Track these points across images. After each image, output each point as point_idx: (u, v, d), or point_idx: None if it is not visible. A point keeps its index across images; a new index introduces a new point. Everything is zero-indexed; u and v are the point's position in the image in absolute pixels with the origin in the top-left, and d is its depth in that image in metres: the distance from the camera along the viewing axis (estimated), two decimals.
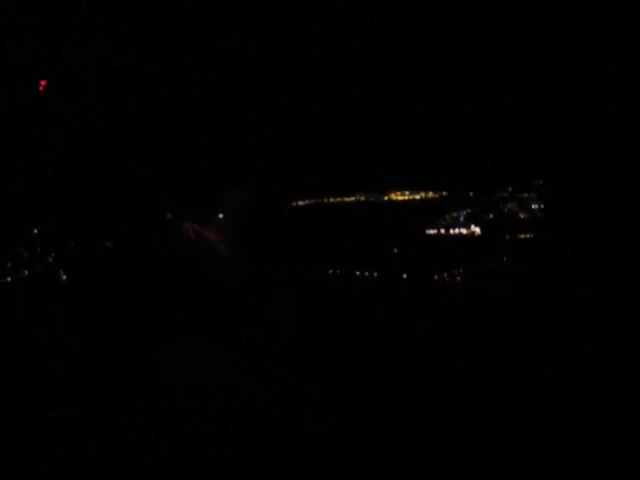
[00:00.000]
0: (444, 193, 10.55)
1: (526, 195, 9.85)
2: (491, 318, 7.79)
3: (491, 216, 9.88)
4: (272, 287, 8.84)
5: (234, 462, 5.75)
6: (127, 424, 6.25)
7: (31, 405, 6.55)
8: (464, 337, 7.57)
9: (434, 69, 9.38)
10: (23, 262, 10.18)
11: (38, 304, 9.09)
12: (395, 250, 9.91)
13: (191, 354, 7.22)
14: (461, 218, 10.09)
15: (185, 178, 9.71)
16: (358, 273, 9.67)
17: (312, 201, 10.99)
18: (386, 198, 10.82)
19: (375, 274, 9.61)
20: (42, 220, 10.29)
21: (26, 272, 10.06)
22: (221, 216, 9.80)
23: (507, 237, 9.55)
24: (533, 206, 9.71)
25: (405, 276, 9.44)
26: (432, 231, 10.20)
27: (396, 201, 10.73)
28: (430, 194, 10.67)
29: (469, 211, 10.09)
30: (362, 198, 10.93)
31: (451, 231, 10.06)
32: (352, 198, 11.00)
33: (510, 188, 10.01)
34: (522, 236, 9.54)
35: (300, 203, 11.05)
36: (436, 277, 9.31)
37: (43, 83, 9.13)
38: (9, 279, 9.97)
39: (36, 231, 10.66)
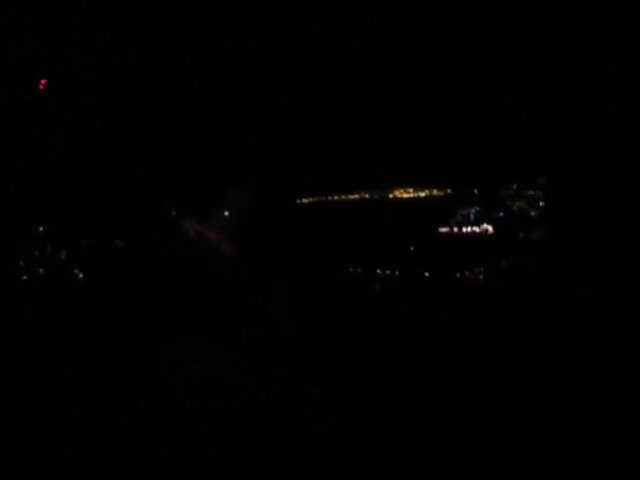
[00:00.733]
0: (448, 190, 10.50)
1: (532, 193, 9.79)
2: (510, 317, 7.78)
3: (501, 214, 9.78)
4: (272, 287, 8.83)
5: (234, 462, 5.78)
6: (127, 423, 6.29)
7: (32, 404, 6.59)
8: (483, 336, 7.56)
9: (437, 68, 9.33)
10: (36, 261, 10.18)
11: (55, 303, 9.12)
12: (411, 248, 9.84)
13: (191, 354, 7.24)
14: (471, 216, 9.98)
15: (185, 177, 9.74)
16: (379, 272, 9.64)
17: (316, 199, 10.98)
18: (390, 196, 10.79)
19: (396, 273, 9.54)
20: (45, 218, 10.37)
21: (41, 271, 10.06)
22: (222, 215, 9.82)
23: (521, 236, 9.47)
24: (542, 204, 9.65)
25: (427, 274, 9.34)
26: (444, 229, 10.08)
27: (403, 198, 10.69)
28: (435, 191, 10.62)
29: (478, 209, 9.97)
30: (366, 195, 10.90)
31: (463, 229, 9.95)
32: (356, 196, 10.98)
33: (515, 185, 9.94)
34: (534, 235, 9.49)
35: (304, 201, 11.04)
36: (458, 276, 9.23)
37: (43, 82, 9.16)
38: (25, 277, 9.97)
39: (41, 229, 10.74)
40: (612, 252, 7.35)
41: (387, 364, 7.23)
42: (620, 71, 7.62)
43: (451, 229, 10.10)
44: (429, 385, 6.73)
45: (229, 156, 9.73)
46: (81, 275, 9.93)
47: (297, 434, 6.10)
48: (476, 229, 9.91)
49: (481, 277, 9.11)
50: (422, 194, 10.61)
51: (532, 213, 9.65)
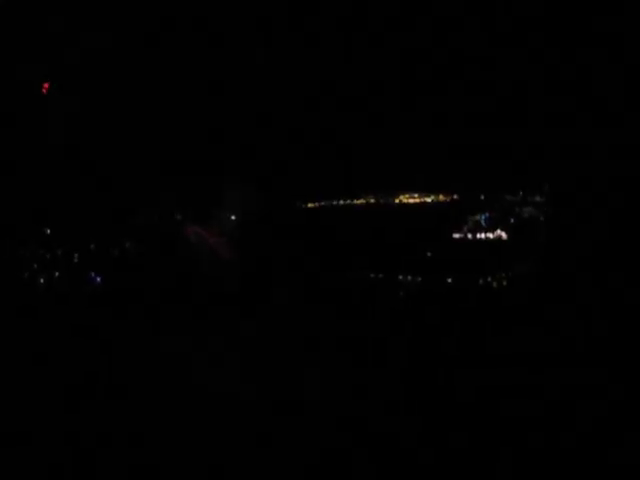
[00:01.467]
0: (455, 196, 10.48)
1: (538, 199, 9.75)
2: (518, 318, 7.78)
3: (512, 220, 9.76)
4: (273, 287, 8.88)
5: (233, 460, 5.78)
6: (126, 420, 6.32)
7: (33, 403, 6.65)
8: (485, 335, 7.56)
9: (448, 74, 9.34)
10: (49, 263, 10.30)
11: (73, 305, 9.26)
12: (429, 254, 9.82)
13: (191, 352, 7.31)
14: (482, 222, 9.98)
15: (188, 180, 9.80)
16: (401, 277, 9.64)
17: (320, 203, 11.01)
18: (397, 201, 10.79)
19: (419, 278, 9.49)
20: (51, 220, 10.48)
21: (57, 274, 10.13)
22: (224, 219, 9.87)
23: (535, 241, 9.41)
24: (547, 210, 9.61)
25: (450, 280, 9.30)
26: (458, 235, 10.06)
27: (407, 204, 10.68)
28: (440, 197, 10.61)
29: (488, 215, 9.96)
30: (372, 200, 10.91)
31: (477, 235, 9.93)
32: (362, 200, 10.99)
33: (521, 192, 9.91)
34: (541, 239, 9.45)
35: (310, 205, 11.08)
36: (481, 282, 9.17)
37: (46, 86, 9.23)
38: (42, 281, 10.04)
39: (49, 231, 10.83)
40: (612, 251, 7.32)
41: (386, 362, 7.25)
42: (620, 75, 7.60)
43: (457, 234, 10.07)
44: (429, 384, 6.73)
45: (233, 159, 9.78)
46: (98, 278, 10.00)
47: (297, 433, 6.10)
48: (484, 234, 9.88)
49: (487, 281, 9.08)
50: (428, 200, 10.62)
51: (540, 218, 9.62)
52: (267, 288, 8.97)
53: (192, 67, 9.51)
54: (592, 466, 5.18)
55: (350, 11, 9.15)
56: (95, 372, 7.15)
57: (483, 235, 9.87)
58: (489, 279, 9.12)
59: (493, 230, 9.80)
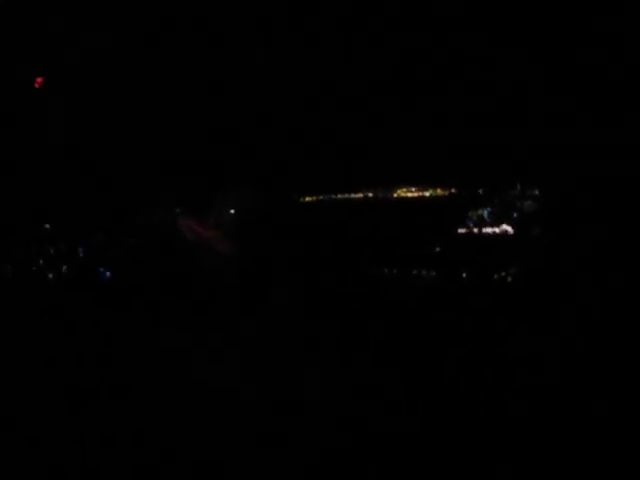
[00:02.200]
0: (453, 190, 10.46)
1: (537, 193, 9.74)
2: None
3: (515, 215, 9.70)
4: (273, 284, 8.89)
5: (233, 458, 5.80)
6: (127, 418, 6.34)
7: (34, 402, 6.67)
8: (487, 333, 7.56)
9: (448, 71, 9.32)
10: (55, 259, 10.30)
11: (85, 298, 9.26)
12: (437, 249, 9.74)
13: (190, 350, 7.32)
14: (486, 217, 9.91)
15: (186, 176, 9.80)
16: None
17: (319, 198, 11.01)
18: (395, 195, 10.77)
19: (433, 273, 9.40)
20: (51, 216, 10.49)
21: (65, 268, 10.12)
22: (221, 213, 9.87)
23: (543, 235, 9.35)
24: (545, 203, 9.58)
25: (465, 275, 9.19)
26: (462, 230, 9.95)
27: (406, 198, 10.67)
28: (439, 191, 10.59)
29: (491, 210, 9.90)
30: (370, 194, 10.89)
31: (483, 230, 9.81)
32: (360, 195, 10.97)
33: (519, 186, 9.89)
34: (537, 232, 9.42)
35: (307, 199, 11.07)
36: (496, 277, 9.04)
37: (39, 80, 9.20)
38: (50, 276, 10.02)
39: (48, 226, 10.82)
40: (612, 250, 7.34)
41: (386, 360, 7.26)
42: (620, 72, 7.61)
43: (462, 229, 10.00)
44: (428, 382, 6.74)
45: (230, 154, 9.77)
46: (108, 273, 9.99)
47: (296, 428, 6.12)
48: (490, 229, 9.80)
49: (501, 276, 9.05)
50: (427, 194, 10.60)
51: (538, 212, 9.60)
52: (266, 284, 8.98)
53: (191, 66, 9.50)
54: (592, 466, 5.22)
55: (349, 8, 9.15)
56: (100, 368, 7.19)
57: (489, 230, 9.76)
58: (502, 274, 9.04)
59: (498, 225, 9.70)
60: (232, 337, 7.56)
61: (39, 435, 5.99)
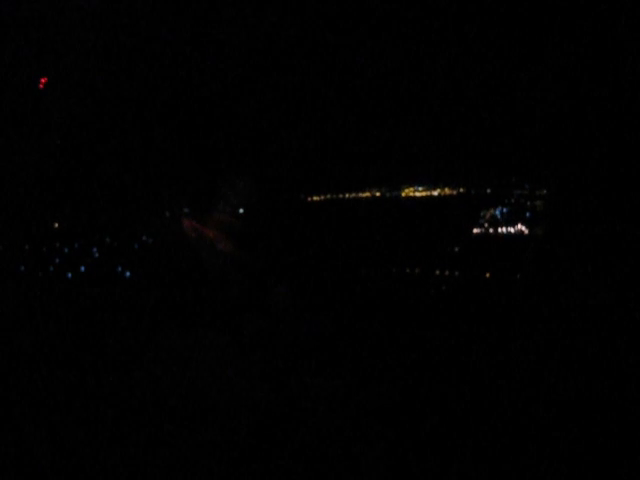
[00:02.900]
0: (461, 190, 10.40)
1: (545, 192, 9.65)
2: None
3: (528, 215, 9.58)
4: (274, 282, 8.88)
5: (233, 454, 5.80)
6: (128, 415, 6.36)
7: (34, 402, 6.71)
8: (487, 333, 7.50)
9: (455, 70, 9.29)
10: (71, 258, 10.33)
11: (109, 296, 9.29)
12: (456, 249, 9.63)
13: (192, 348, 7.33)
14: (499, 217, 9.78)
15: (186, 174, 9.81)
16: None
17: (327, 196, 10.98)
18: (403, 194, 10.72)
19: (456, 273, 9.27)
20: (58, 215, 10.55)
21: (82, 268, 10.09)
22: (223, 213, 9.87)
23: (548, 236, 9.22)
24: (550, 202, 9.48)
25: (488, 276, 9.02)
26: (478, 230, 9.82)
27: (414, 197, 10.62)
28: (446, 190, 10.53)
29: (504, 209, 9.76)
30: (377, 194, 10.85)
31: (499, 230, 9.65)
32: (367, 194, 10.93)
33: (527, 185, 9.81)
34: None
35: (315, 198, 11.04)
36: (505, 277, 8.92)
37: (43, 81, 9.24)
38: (69, 275, 9.99)
39: (57, 225, 10.88)
40: (612, 249, 7.27)
41: (386, 358, 7.23)
42: (621, 76, 7.55)
43: (476, 229, 9.87)
44: (427, 380, 6.70)
45: (232, 153, 9.78)
46: (127, 272, 9.96)
47: (295, 426, 6.11)
48: (504, 229, 9.68)
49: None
50: (435, 193, 10.54)
51: (546, 212, 9.50)
52: (269, 283, 8.98)
53: (191, 64, 9.52)
54: (592, 465, 5.17)
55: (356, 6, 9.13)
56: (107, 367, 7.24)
57: (504, 230, 9.63)
58: (510, 275, 8.91)
59: (513, 225, 9.57)
60: (236, 336, 7.59)
61: (55, 427, 6.05)
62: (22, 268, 10.23)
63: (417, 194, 10.60)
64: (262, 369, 7.01)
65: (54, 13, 8.66)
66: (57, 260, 10.37)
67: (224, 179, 9.70)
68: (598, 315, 6.82)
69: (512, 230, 9.61)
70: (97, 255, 10.37)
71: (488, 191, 10.16)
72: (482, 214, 9.90)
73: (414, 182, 10.54)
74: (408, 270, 9.46)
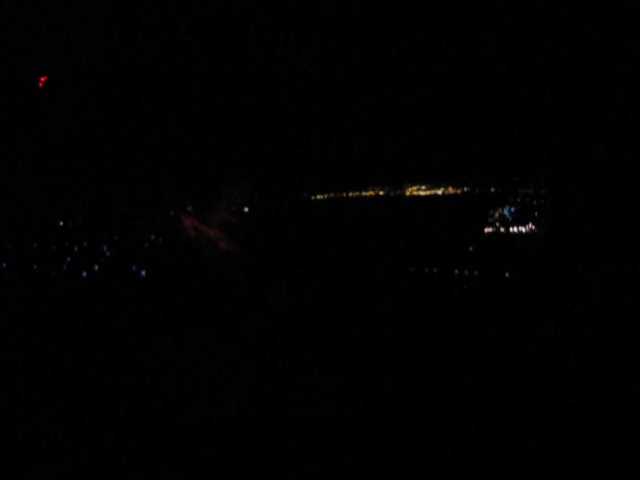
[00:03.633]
0: (465, 189, 10.39)
1: (550, 192, 9.61)
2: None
3: (536, 214, 9.48)
4: (273, 281, 8.87)
5: (233, 451, 5.81)
6: (127, 414, 6.38)
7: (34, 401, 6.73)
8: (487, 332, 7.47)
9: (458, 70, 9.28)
10: (83, 256, 10.30)
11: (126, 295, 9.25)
12: (470, 248, 9.54)
13: (190, 346, 7.33)
14: (509, 216, 9.66)
15: (186, 171, 9.81)
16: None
17: (330, 195, 10.99)
18: (407, 193, 10.72)
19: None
20: (62, 213, 10.60)
21: (96, 267, 10.05)
22: (223, 211, 9.85)
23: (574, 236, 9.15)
24: (552, 200, 9.43)
25: (508, 276, 8.76)
26: (489, 229, 9.71)
27: (418, 196, 10.62)
28: (450, 189, 10.53)
29: (513, 209, 9.67)
30: (381, 192, 10.85)
31: (511, 230, 9.53)
32: (370, 192, 10.94)
33: (530, 184, 9.79)
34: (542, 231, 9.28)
35: (319, 197, 11.06)
36: (507, 276, 8.73)
37: (43, 79, 9.28)
38: (84, 274, 9.93)
39: (62, 223, 10.93)
40: (612, 248, 7.25)
41: (385, 357, 7.22)
42: (620, 72, 7.54)
43: (488, 228, 9.79)
44: (426, 379, 6.70)
45: (234, 150, 9.78)
46: (143, 272, 9.85)
47: (296, 425, 6.12)
48: (516, 229, 9.61)
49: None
50: (439, 192, 10.54)
51: (549, 212, 9.45)
52: (271, 284, 8.97)
53: (191, 62, 9.54)
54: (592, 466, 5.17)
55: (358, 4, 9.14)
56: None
57: (516, 229, 9.52)
58: (514, 275, 8.69)
59: (525, 225, 9.47)
60: (235, 335, 7.58)
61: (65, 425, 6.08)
62: (35, 267, 10.24)
63: (421, 193, 10.60)
64: (262, 368, 7.01)
65: (54, 12, 8.70)
66: (69, 259, 10.36)
67: (227, 178, 9.70)
68: (605, 313, 6.80)
69: (516, 230, 9.58)
70: (109, 254, 10.36)
71: (492, 190, 10.15)
72: (489, 213, 9.87)
73: (418, 181, 10.54)
74: (412, 269, 9.44)
